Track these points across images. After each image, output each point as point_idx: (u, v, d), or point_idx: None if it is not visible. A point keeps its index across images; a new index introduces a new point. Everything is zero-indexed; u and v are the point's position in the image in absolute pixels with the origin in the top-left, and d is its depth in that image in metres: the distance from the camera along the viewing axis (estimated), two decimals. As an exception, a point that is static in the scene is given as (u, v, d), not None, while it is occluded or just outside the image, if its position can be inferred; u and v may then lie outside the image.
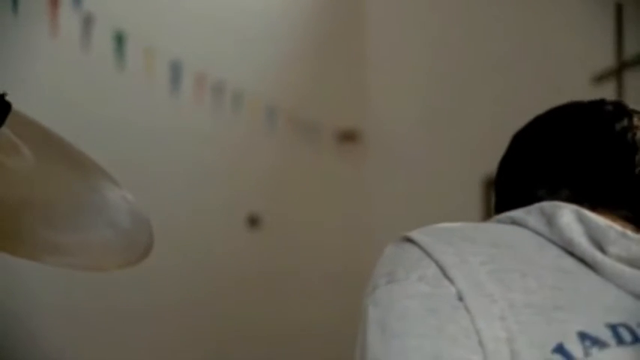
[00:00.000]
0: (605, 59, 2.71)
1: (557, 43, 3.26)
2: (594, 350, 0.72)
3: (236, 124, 4.17)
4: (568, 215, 0.81)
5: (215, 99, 4.07)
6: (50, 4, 3.13)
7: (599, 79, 2.79)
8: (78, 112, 3.57)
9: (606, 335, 0.74)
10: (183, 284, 3.98)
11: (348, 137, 4.55)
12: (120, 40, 3.56)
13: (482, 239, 0.79)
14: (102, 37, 3.51)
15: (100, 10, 3.48)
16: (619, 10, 2.60)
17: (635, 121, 0.93)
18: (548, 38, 3.32)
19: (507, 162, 0.99)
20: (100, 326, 3.67)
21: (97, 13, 3.46)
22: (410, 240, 0.80)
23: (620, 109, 0.95)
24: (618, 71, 2.65)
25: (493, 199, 1.01)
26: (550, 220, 0.82)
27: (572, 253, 0.80)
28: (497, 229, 0.84)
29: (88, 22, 3.43)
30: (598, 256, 0.78)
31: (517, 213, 0.85)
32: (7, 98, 1.15)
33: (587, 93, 2.76)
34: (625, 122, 0.93)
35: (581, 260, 0.79)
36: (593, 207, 0.84)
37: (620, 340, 0.73)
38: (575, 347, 0.72)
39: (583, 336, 0.73)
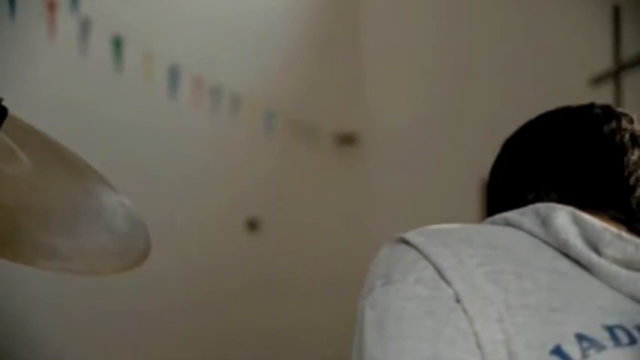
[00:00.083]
0: (603, 61, 2.71)
1: (555, 45, 3.26)
2: (592, 352, 0.72)
3: (234, 127, 4.18)
4: (563, 217, 0.81)
5: (213, 102, 4.07)
6: (47, 8, 3.13)
7: (598, 80, 2.80)
8: (76, 115, 3.57)
9: (603, 337, 0.74)
10: (183, 286, 3.98)
11: (346, 140, 4.55)
12: (118, 43, 3.56)
13: (478, 241, 0.79)
14: (100, 41, 3.51)
15: (97, 14, 3.48)
16: (617, 12, 2.60)
17: (624, 123, 0.93)
18: (546, 40, 3.33)
19: (498, 167, 1.00)
20: (99, 328, 3.67)
21: (94, 17, 3.46)
22: (405, 241, 0.80)
23: (608, 112, 0.95)
24: (616, 73, 2.65)
25: (486, 202, 1.01)
26: (545, 222, 0.82)
27: (567, 255, 0.80)
28: (493, 230, 0.84)
29: (85, 25, 3.43)
30: (594, 257, 0.78)
31: (512, 214, 0.85)
32: (4, 103, 1.14)
33: (585, 94, 2.77)
34: (613, 124, 0.93)
35: (577, 262, 0.79)
36: (582, 209, 0.84)
37: (617, 342, 0.74)
38: (572, 349, 0.72)
39: (580, 337, 0.73)
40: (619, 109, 0.96)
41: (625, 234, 0.80)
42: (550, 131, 0.96)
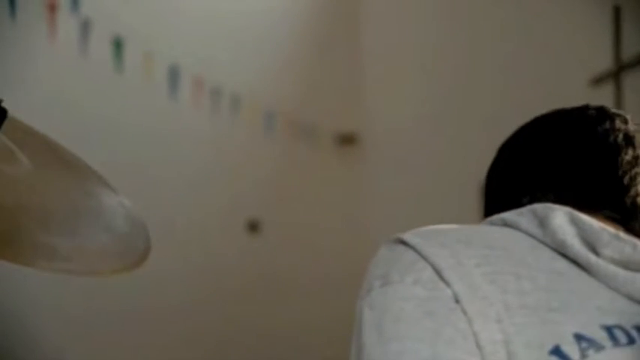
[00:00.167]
0: (604, 61, 2.72)
1: (555, 45, 3.27)
2: (591, 352, 0.72)
3: (234, 127, 4.18)
4: (561, 217, 0.81)
5: (213, 103, 4.07)
6: (48, 8, 3.13)
7: (598, 81, 2.80)
8: (76, 115, 3.57)
9: (602, 337, 0.74)
10: (184, 286, 3.98)
11: (347, 140, 4.55)
12: (118, 44, 3.56)
13: (476, 241, 0.79)
14: (100, 42, 3.51)
15: (98, 15, 3.48)
16: (617, 12, 2.60)
17: (618, 123, 0.93)
18: (546, 40, 3.33)
19: (494, 171, 1.00)
20: (99, 328, 3.67)
21: (95, 17, 3.46)
22: (403, 242, 0.80)
23: (602, 113, 0.95)
24: (616, 73, 2.65)
25: (482, 206, 1.02)
26: (543, 222, 0.82)
27: (565, 255, 0.80)
28: (491, 231, 0.84)
29: (86, 26, 3.43)
30: (592, 258, 0.78)
31: (509, 215, 0.85)
32: (4, 104, 1.14)
33: (585, 94, 2.77)
34: (607, 125, 0.93)
35: (574, 262, 0.79)
36: (578, 209, 0.84)
37: (615, 342, 0.74)
38: (571, 349, 0.72)
39: (579, 338, 0.73)
40: (613, 110, 0.96)
41: (622, 234, 0.80)
42: (544, 133, 0.97)
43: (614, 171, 0.90)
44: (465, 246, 0.78)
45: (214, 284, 4.08)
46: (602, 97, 2.69)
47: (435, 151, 4.08)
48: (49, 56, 3.47)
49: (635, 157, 0.91)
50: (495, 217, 0.87)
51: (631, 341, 0.74)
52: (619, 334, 0.74)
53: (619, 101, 2.59)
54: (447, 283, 0.75)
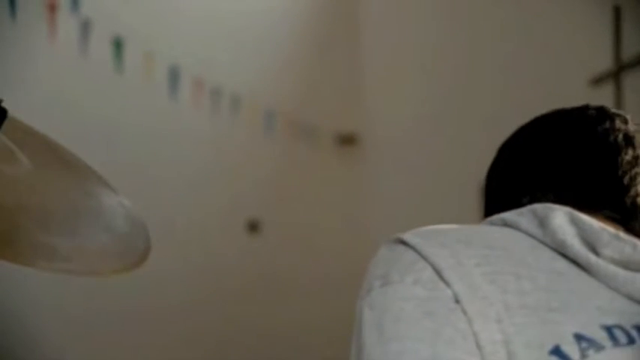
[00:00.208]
0: (604, 61, 2.71)
1: (555, 45, 3.26)
2: (591, 352, 0.72)
3: (234, 128, 4.18)
4: (561, 217, 0.81)
5: (213, 103, 4.07)
6: (48, 8, 3.13)
7: (598, 80, 2.80)
8: (76, 116, 3.57)
9: (602, 337, 0.74)
10: (184, 287, 3.98)
11: (347, 140, 4.55)
12: (118, 44, 3.56)
13: (476, 241, 0.79)
14: (100, 42, 3.51)
15: (98, 15, 3.48)
16: (617, 12, 2.60)
17: (618, 123, 0.93)
18: (546, 40, 3.33)
19: (494, 171, 1.00)
20: (99, 328, 3.67)
21: (95, 18, 3.46)
22: (403, 242, 0.80)
23: (602, 113, 0.95)
24: (616, 73, 2.65)
25: (482, 206, 1.02)
26: (543, 222, 0.82)
27: (565, 255, 0.80)
28: (491, 231, 0.84)
29: (86, 26, 3.43)
30: (592, 258, 0.78)
31: (509, 215, 0.85)
32: (4, 104, 1.14)
33: (585, 94, 2.77)
34: (607, 125, 0.93)
35: (574, 262, 0.79)
36: (578, 209, 0.84)
37: (615, 342, 0.74)
38: (571, 349, 0.72)
39: (579, 337, 0.73)
40: (613, 110, 0.96)
41: (622, 234, 0.80)
42: (544, 133, 0.97)
43: (614, 171, 0.90)
44: (465, 246, 0.78)
45: (214, 284, 4.08)
46: (602, 97, 2.69)
47: (435, 151, 4.07)
48: (49, 56, 3.47)
49: (635, 157, 0.91)
50: (495, 217, 0.87)
51: (631, 341, 0.74)
52: (619, 334, 0.74)
53: (619, 101, 2.59)
54: (447, 283, 0.75)
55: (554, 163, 0.93)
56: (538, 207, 0.83)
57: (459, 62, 3.92)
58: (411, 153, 4.25)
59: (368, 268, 0.81)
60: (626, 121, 0.94)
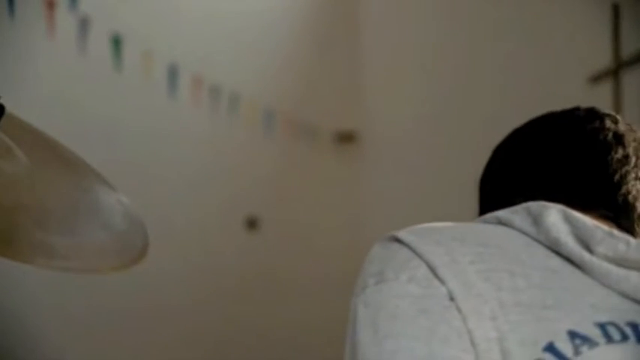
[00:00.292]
0: (603, 59, 2.72)
1: (554, 44, 3.26)
2: (584, 349, 0.73)
3: (233, 126, 4.18)
4: (554, 215, 0.82)
5: (212, 102, 4.07)
6: (46, 6, 3.13)
7: (597, 78, 2.80)
8: (74, 114, 3.57)
9: (595, 334, 0.74)
10: (183, 285, 3.98)
11: (346, 139, 4.55)
12: (117, 42, 3.56)
13: (470, 239, 0.80)
14: (99, 40, 3.51)
15: (96, 13, 3.48)
16: (616, 10, 2.60)
17: (608, 123, 0.94)
18: (545, 39, 3.33)
19: (489, 172, 1.01)
20: (99, 327, 3.67)
21: (93, 15, 3.46)
22: (397, 239, 0.80)
23: (591, 113, 0.96)
24: (615, 71, 2.65)
25: (477, 208, 1.03)
26: (536, 220, 0.82)
27: (558, 253, 0.80)
28: (485, 229, 0.85)
29: (84, 24, 3.43)
30: (585, 255, 0.79)
31: (503, 213, 0.86)
32: (2, 101, 1.15)
33: (584, 93, 2.76)
34: (597, 124, 0.94)
35: (568, 260, 0.80)
36: (571, 208, 0.84)
37: (609, 339, 0.74)
38: (565, 346, 0.72)
39: (573, 335, 0.73)
40: (603, 110, 0.97)
41: (616, 232, 0.81)
42: (536, 135, 0.98)
43: (605, 169, 0.91)
44: (460, 243, 0.78)
45: (213, 283, 4.08)
46: (601, 95, 2.69)
47: (434, 150, 4.07)
48: (48, 54, 3.47)
49: (626, 156, 0.92)
50: (489, 215, 0.87)
51: (624, 338, 0.75)
52: (612, 331, 0.75)
53: (618, 99, 2.59)
54: (442, 281, 0.75)
55: (546, 163, 0.95)
56: (532, 205, 0.84)
57: (459, 62, 3.92)
58: (411, 152, 4.25)
59: (362, 266, 0.81)
60: (616, 121, 0.95)
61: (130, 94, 3.84)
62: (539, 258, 0.79)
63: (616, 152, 0.92)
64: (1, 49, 3.23)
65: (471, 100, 3.80)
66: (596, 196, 0.90)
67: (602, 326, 0.75)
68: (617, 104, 2.58)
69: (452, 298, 0.74)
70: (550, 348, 0.72)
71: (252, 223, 4.26)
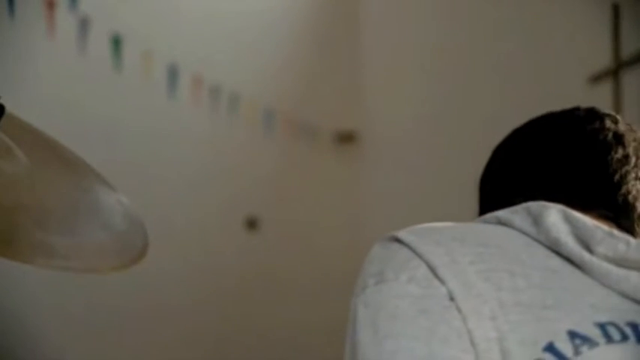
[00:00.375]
0: (603, 59, 2.72)
1: (554, 44, 3.26)
2: (584, 349, 0.73)
3: (233, 126, 4.18)
4: (554, 215, 0.82)
5: (212, 101, 4.07)
6: (46, 6, 3.13)
7: (597, 78, 2.80)
8: (74, 113, 3.57)
9: (595, 334, 0.74)
10: (183, 286, 3.98)
11: (346, 139, 4.55)
12: (117, 42, 3.56)
13: (470, 239, 0.80)
14: (99, 40, 3.51)
15: (96, 13, 3.48)
16: (616, 10, 2.61)
17: (607, 123, 0.94)
18: (545, 39, 3.33)
19: (488, 172, 1.01)
20: (99, 327, 3.67)
21: (93, 15, 3.46)
22: (397, 240, 0.80)
23: (591, 113, 0.96)
24: (615, 71, 2.65)
25: (477, 208, 1.03)
26: (536, 220, 0.82)
27: (558, 253, 0.80)
28: (485, 229, 0.85)
29: (84, 24, 3.43)
30: (585, 255, 0.79)
31: (503, 213, 0.86)
32: (2, 101, 1.15)
33: (584, 93, 2.76)
34: (596, 124, 0.94)
35: (568, 260, 0.80)
36: (571, 208, 0.84)
37: (609, 339, 0.74)
38: (565, 346, 0.73)
39: (573, 335, 0.73)
40: (603, 111, 0.97)
41: (616, 232, 0.81)
42: (536, 135, 0.98)
43: (605, 169, 0.91)
44: (460, 244, 0.78)
45: (213, 283, 4.08)
46: (601, 95, 2.69)
47: (434, 150, 4.07)
48: (48, 54, 3.47)
49: (625, 156, 0.92)
50: (489, 216, 0.87)
51: (624, 338, 0.75)
52: (612, 331, 0.75)
53: (618, 99, 2.59)
54: (442, 281, 0.75)
55: (546, 164, 0.95)
56: (532, 205, 0.84)
57: (459, 62, 3.92)
58: (411, 152, 4.25)
59: (362, 266, 0.81)
60: (616, 121, 0.95)
61: (130, 94, 3.83)
62: (539, 258, 0.79)
63: (616, 152, 0.92)
64: (1, 49, 3.23)
65: (471, 100, 3.80)
66: (596, 196, 0.90)
67: (602, 326, 0.75)
68: (617, 104, 2.58)
69: (452, 298, 0.74)
70: (550, 348, 0.72)
71: (252, 223, 4.26)
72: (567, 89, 2.95)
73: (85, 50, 3.49)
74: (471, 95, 3.81)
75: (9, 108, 1.16)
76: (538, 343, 0.72)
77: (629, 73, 2.66)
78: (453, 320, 0.73)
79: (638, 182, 0.91)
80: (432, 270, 0.76)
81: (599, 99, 2.72)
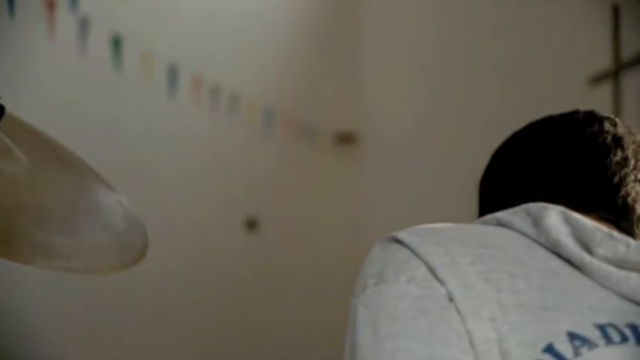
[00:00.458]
0: (603, 60, 2.72)
1: (554, 45, 3.26)
2: (584, 350, 0.73)
3: (233, 126, 4.18)
4: (554, 216, 0.82)
5: (212, 102, 4.07)
6: (47, 6, 3.12)
7: (597, 80, 2.80)
8: (74, 114, 3.57)
9: (595, 335, 0.74)
10: (183, 286, 3.98)
11: (345, 139, 4.55)
12: (117, 42, 3.56)
13: (470, 240, 0.80)
14: (99, 40, 3.51)
15: (96, 13, 3.48)
16: (616, 12, 2.61)
17: (606, 126, 0.95)
18: (545, 40, 3.33)
19: (488, 175, 1.02)
20: (99, 327, 3.67)
21: (93, 15, 3.46)
22: (397, 240, 0.80)
23: (590, 116, 0.97)
24: (615, 72, 2.65)
25: (477, 210, 1.03)
26: (536, 222, 0.82)
27: (558, 254, 0.80)
28: (485, 230, 0.85)
29: (84, 24, 3.42)
30: (585, 257, 0.79)
31: (503, 214, 0.86)
32: (2, 101, 1.15)
33: (584, 94, 2.76)
34: (595, 127, 0.95)
35: (568, 261, 0.80)
36: (571, 210, 0.84)
37: (608, 340, 0.74)
38: (564, 347, 0.73)
39: (572, 336, 0.73)
40: (602, 114, 0.97)
41: (616, 233, 0.81)
42: (535, 138, 0.98)
43: (604, 172, 0.91)
44: (460, 244, 0.78)
45: (213, 283, 4.08)
46: (601, 97, 2.69)
47: (434, 151, 4.07)
48: (48, 54, 3.47)
49: (625, 158, 0.92)
50: (489, 217, 0.87)
51: (624, 339, 0.75)
52: (612, 332, 0.75)
53: (618, 100, 2.59)
54: (441, 282, 0.75)
55: (546, 166, 0.95)
56: (532, 206, 0.84)
57: (459, 62, 3.92)
58: (411, 152, 4.25)
59: (362, 266, 0.81)
60: (614, 124, 0.96)
61: (129, 95, 3.83)
62: (539, 259, 0.79)
63: (615, 155, 0.92)
64: (1, 49, 3.23)
65: (471, 100, 3.80)
66: (596, 198, 0.90)
67: (602, 327, 0.75)
68: (617, 106, 2.58)
69: (451, 299, 0.74)
70: (549, 349, 0.72)
71: (251, 224, 4.26)
72: (567, 91, 2.95)
73: (85, 50, 3.49)
74: (470, 95, 3.81)
75: (9, 108, 1.16)
76: (537, 345, 0.72)
77: (629, 75, 2.66)
78: (453, 321, 0.73)
79: (637, 184, 0.92)
80: (432, 271, 0.76)
81: (599, 100, 2.71)
